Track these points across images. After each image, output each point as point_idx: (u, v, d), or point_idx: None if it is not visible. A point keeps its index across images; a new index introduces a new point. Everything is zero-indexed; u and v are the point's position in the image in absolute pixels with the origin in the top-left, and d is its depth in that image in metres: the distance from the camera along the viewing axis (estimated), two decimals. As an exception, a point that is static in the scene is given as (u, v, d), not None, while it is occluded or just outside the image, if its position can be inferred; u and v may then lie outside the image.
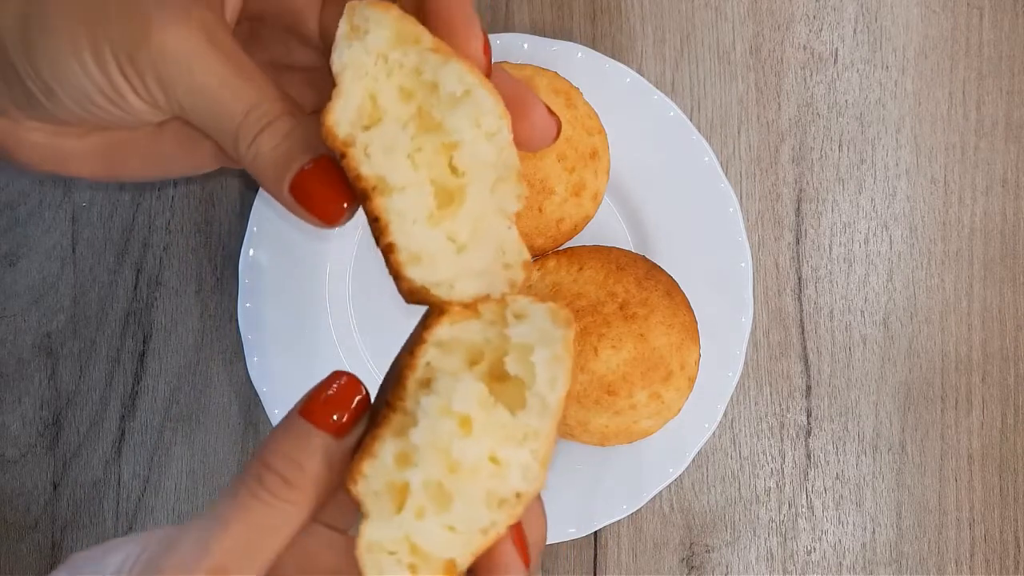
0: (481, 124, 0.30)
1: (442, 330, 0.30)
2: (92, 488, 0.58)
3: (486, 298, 0.31)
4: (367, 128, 0.30)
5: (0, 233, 0.58)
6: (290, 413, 0.31)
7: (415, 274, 0.30)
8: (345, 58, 0.30)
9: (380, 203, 0.30)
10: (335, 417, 0.30)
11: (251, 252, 0.56)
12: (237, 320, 0.56)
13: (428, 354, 0.30)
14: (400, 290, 0.31)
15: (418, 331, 0.31)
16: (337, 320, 0.57)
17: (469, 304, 0.31)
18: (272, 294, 0.56)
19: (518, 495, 0.30)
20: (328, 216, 0.31)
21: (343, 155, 0.30)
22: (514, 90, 0.32)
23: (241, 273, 0.56)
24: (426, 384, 0.30)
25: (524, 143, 0.32)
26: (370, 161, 0.30)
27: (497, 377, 0.31)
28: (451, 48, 0.30)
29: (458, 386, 0.30)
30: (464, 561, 0.30)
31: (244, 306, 0.56)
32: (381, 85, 0.30)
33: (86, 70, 0.30)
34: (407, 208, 0.30)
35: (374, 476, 0.29)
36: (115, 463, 0.58)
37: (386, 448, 0.29)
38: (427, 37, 0.30)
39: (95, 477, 0.58)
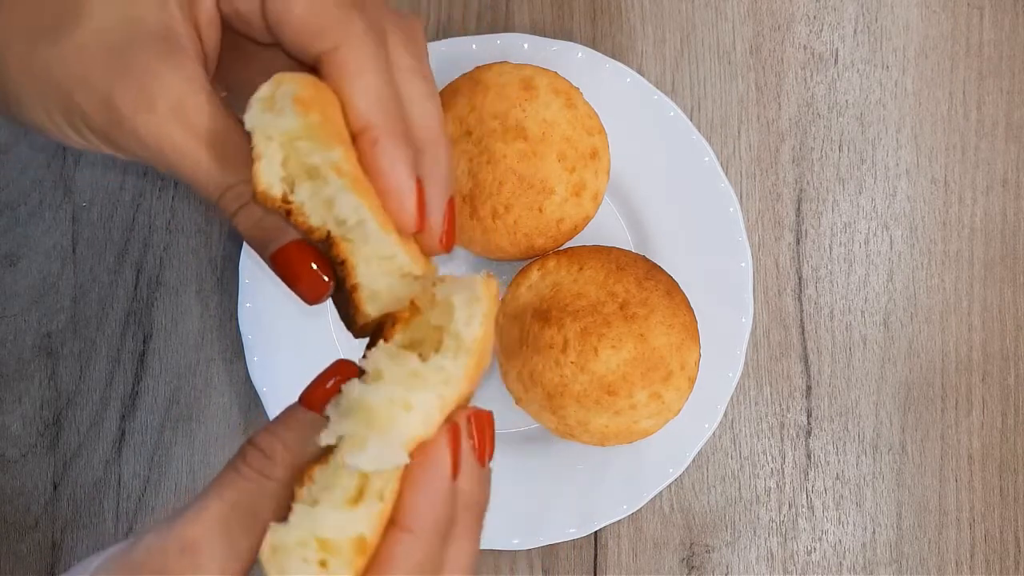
0: (375, 251, 0.31)
1: (400, 336, 0.31)
2: (92, 488, 0.58)
3: (420, 293, 0.32)
4: (296, 183, 0.30)
5: (0, 233, 0.58)
6: (290, 405, 0.31)
7: (372, 308, 0.31)
8: (255, 122, 0.29)
9: (345, 248, 0.30)
10: (322, 392, 0.30)
11: (251, 251, 0.56)
12: (237, 320, 0.56)
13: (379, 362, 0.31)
14: (355, 326, 0.32)
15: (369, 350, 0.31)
16: (337, 320, 0.57)
17: (410, 307, 0.31)
18: (272, 294, 0.56)
19: (410, 445, 0.29)
20: (308, 293, 0.31)
21: (288, 212, 0.30)
22: (393, 179, 0.31)
23: (241, 273, 0.56)
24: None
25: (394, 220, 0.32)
26: (316, 213, 0.30)
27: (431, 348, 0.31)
28: (363, 177, 0.30)
29: (374, 354, 0.30)
30: (372, 535, 0.28)
31: (244, 306, 0.56)
32: (289, 152, 0.30)
33: (67, 137, 0.31)
34: (375, 249, 0.31)
35: (319, 486, 0.29)
36: (115, 463, 0.58)
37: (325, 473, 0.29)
38: (337, 152, 0.30)
39: (95, 477, 0.58)
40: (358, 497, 0.29)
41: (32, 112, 0.31)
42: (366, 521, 0.28)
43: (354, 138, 0.31)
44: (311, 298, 0.32)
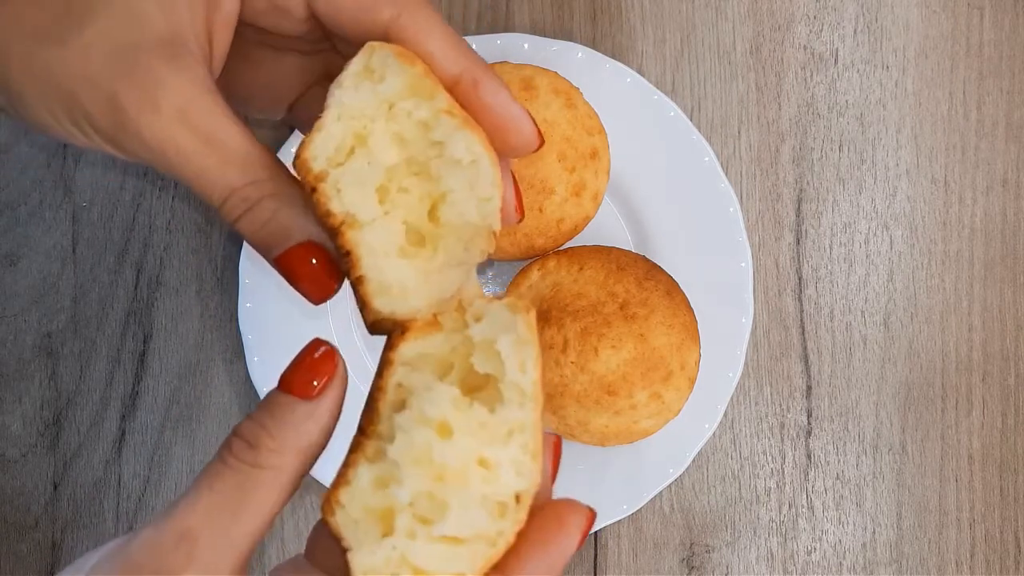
0: (476, 190, 0.30)
1: (407, 348, 0.30)
2: (92, 488, 0.58)
3: (445, 310, 0.31)
4: (340, 165, 0.30)
5: (0, 233, 0.59)
6: (271, 391, 0.31)
7: (381, 304, 0.31)
8: (346, 98, 0.30)
9: (351, 237, 0.30)
10: (305, 380, 0.30)
11: (251, 252, 0.56)
12: (237, 320, 0.56)
13: (397, 374, 0.30)
14: (366, 321, 0.31)
15: (384, 355, 0.31)
16: (337, 320, 0.57)
17: (430, 320, 0.31)
18: (272, 294, 0.56)
19: (518, 497, 0.29)
20: (313, 294, 0.31)
21: (314, 189, 0.30)
22: (505, 109, 0.32)
23: (241, 273, 0.56)
24: (400, 406, 0.30)
25: (510, 151, 0.32)
26: (340, 197, 0.30)
27: (472, 388, 0.30)
28: (470, 117, 0.30)
29: (429, 394, 0.29)
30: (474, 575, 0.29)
31: (244, 306, 0.56)
32: (375, 128, 0.30)
33: (71, 136, 0.31)
34: (378, 242, 0.30)
35: (351, 504, 0.29)
36: (115, 463, 0.58)
37: (361, 474, 0.29)
38: (443, 97, 0.30)
39: (95, 477, 0.58)
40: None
41: (36, 112, 0.31)
42: (471, 563, 0.28)
43: (449, 90, 0.31)
44: (317, 298, 0.32)
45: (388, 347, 0.31)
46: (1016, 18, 0.61)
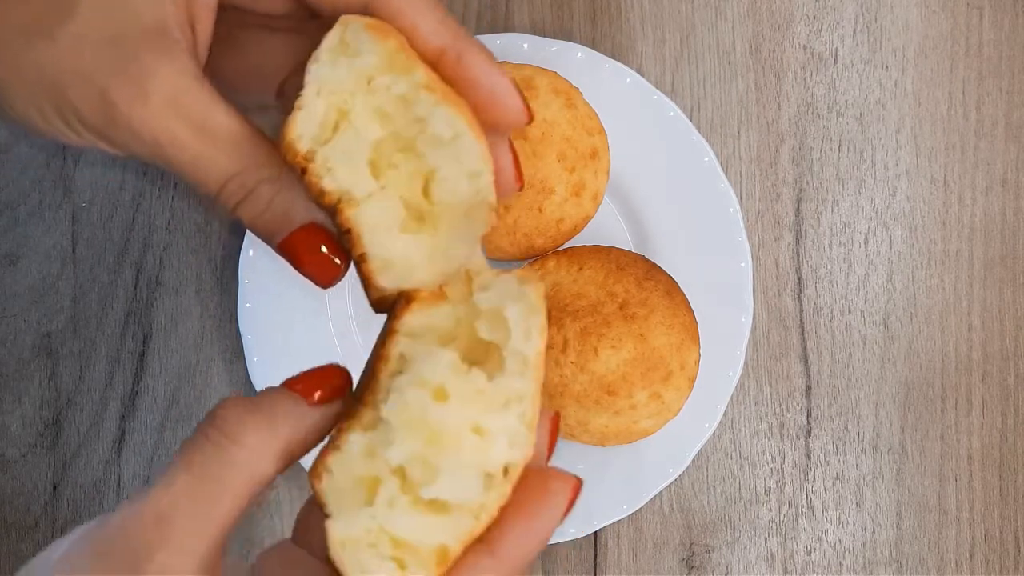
0: (464, 164, 0.30)
1: (412, 318, 0.30)
2: (92, 488, 0.58)
3: (452, 281, 0.30)
4: (327, 142, 0.29)
5: (0, 233, 0.58)
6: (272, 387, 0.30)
7: (385, 280, 0.30)
8: (324, 73, 0.29)
9: (350, 214, 0.29)
10: (310, 385, 0.30)
11: (251, 252, 0.56)
12: (237, 320, 0.56)
13: (400, 344, 0.29)
14: (370, 299, 0.31)
15: (388, 325, 0.30)
16: (337, 320, 0.57)
17: (436, 292, 0.30)
18: (272, 294, 0.56)
19: (506, 470, 0.28)
20: (320, 277, 0.31)
21: (304, 170, 0.29)
22: (490, 82, 0.31)
23: (241, 273, 0.56)
24: (400, 374, 0.29)
25: (498, 126, 0.31)
26: (332, 175, 0.29)
27: (474, 360, 0.29)
28: (453, 91, 0.30)
29: (428, 358, 0.28)
30: (456, 548, 0.28)
31: (244, 306, 0.56)
32: (356, 102, 0.29)
33: (62, 134, 0.31)
34: (377, 218, 0.30)
35: (340, 471, 0.28)
36: (115, 463, 0.58)
37: (353, 441, 0.28)
38: (421, 72, 0.29)
39: (95, 477, 0.58)
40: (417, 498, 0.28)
41: (24, 110, 0.31)
42: (453, 535, 0.28)
43: (432, 65, 0.30)
44: (324, 282, 0.31)
45: (392, 316, 0.30)
46: (1016, 18, 0.61)
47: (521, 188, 0.33)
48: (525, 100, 0.31)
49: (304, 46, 0.35)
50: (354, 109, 0.29)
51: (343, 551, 0.27)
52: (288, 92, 0.36)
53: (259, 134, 0.31)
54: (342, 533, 0.27)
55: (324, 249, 0.31)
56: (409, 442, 0.28)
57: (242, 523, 0.30)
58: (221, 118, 0.30)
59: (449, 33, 0.30)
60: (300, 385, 0.30)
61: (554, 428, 0.31)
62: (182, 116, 0.29)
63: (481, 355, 0.30)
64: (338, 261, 0.31)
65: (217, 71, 0.35)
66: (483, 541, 0.28)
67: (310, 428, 0.29)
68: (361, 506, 0.28)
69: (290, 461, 0.29)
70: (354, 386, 0.31)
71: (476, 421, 0.28)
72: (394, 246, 0.30)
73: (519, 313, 0.29)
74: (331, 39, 0.29)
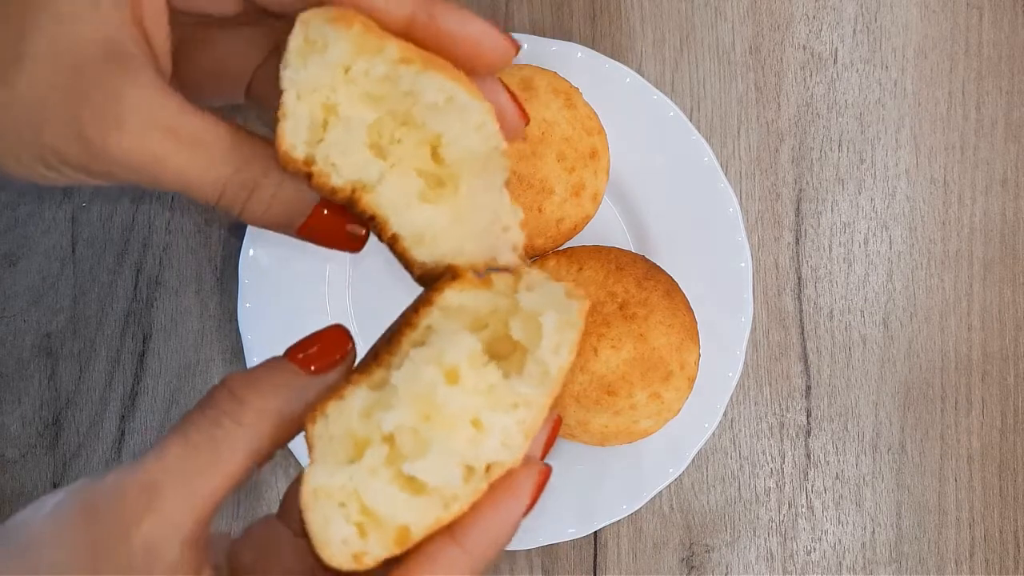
0: (467, 121, 0.29)
1: (452, 294, 0.29)
2: (92, 488, 0.58)
3: (502, 272, 0.30)
4: (321, 141, 0.29)
5: (0, 233, 0.58)
6: (274, 356, 0.30)
7: (422, 254, 0.30)
8: (299, 76, 0.28)
9: (368, 201, 0.29)
10: (310, 354, 0.30)
11: (251, 252, 0.56)
12: (237, 320, 0.56)
13: (432, 316, 0.29)
14: (414, 278, 0.31)
15: (426, 295, 0.30)
16: (337, 320, 0.57)
17: (484, 278, 0.30)
18: (272, 294, 0.56)
19: (488, 468, 0.28)
20: (347, 247, 0.31)
21: (309, 175, 0.29)
22: (468, 29, 0.30)
23: (241, 273, 0.56)
24: (421, 345, 0.29)
25: (488, 68, 0.31)
26: (337, 170, 0.29)
27: (498, 354, 0.29)
28: (429, 55, 0.29)
29: (452, 338, 0.28)
30: (418, 532, 0.28)
31: (244, 306, 0.56)
32: (341, 95, 0.29)
33: (42, 177, 0.30)
34: (395, 195, 0.30)
35: (335, 419, 0.28)
36: (115, 463, 0.58)
37: (357, 394, 0.28)
38: (392, 48, 0.29)
39: (95, 477, 0.58)
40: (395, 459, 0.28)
41: (2, 160, 0.30)
42: (420, 518, 0.28)
43: (405, 35, 0.30)
44: (355, 248, 0.31)
45: (434, 288, 0.30)
46: (1015, 18, 0.61)
47: (527, 122, 0.33)
48: (507, 35, 0.31)
49: (266, 39, 0.34)
50: (341, 101, 0.29)
51: (313, 500, 0.27)
52: (256, 88, 0.35)
53: (240, 131, 0.30)
54: (318, 482, 0.27)
55: (338, 220, 0.31)
56: (407, 413, 0.28)
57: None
58: (199, 123, 0.29)
59: None
60: (301, 355, 0.30)
61: (553, 431, 0.31)
62: (159, 132, 0.29)
63: (507, 350, 0.30)
64: (359, 228, 0.31)
65: (183, 77, 0.34)
66: (449, 531, 0.28)
67: (310, 402, 0.29)
68: (344, 463, 0.28)
69: (289, 436, 0.29)
70: (357, 354, 0.31)
71: (478, 414, 0.28)
72: (419, 217, 0.30)
73: (555, 324, 0.29)
74: (295, 41, 0.29)
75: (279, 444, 0.29)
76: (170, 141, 0.29)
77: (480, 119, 0.29)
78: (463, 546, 0.28)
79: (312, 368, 0.29)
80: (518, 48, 0.31)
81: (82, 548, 0.27)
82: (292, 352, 0.30)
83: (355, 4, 0.29)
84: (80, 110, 0.28)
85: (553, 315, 0.29)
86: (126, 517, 0.27)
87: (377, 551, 0.27)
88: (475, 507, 0.28)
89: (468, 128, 0.30)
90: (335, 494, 0.28)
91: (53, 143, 0.29)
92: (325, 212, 0.31)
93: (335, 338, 0.30)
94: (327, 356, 0.30)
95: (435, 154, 0.30)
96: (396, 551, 0.28)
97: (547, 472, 0.29)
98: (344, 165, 0.29)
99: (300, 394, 0.29)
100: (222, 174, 0.29)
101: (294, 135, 0.29)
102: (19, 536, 0.28)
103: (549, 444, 0.31)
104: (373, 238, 0.32)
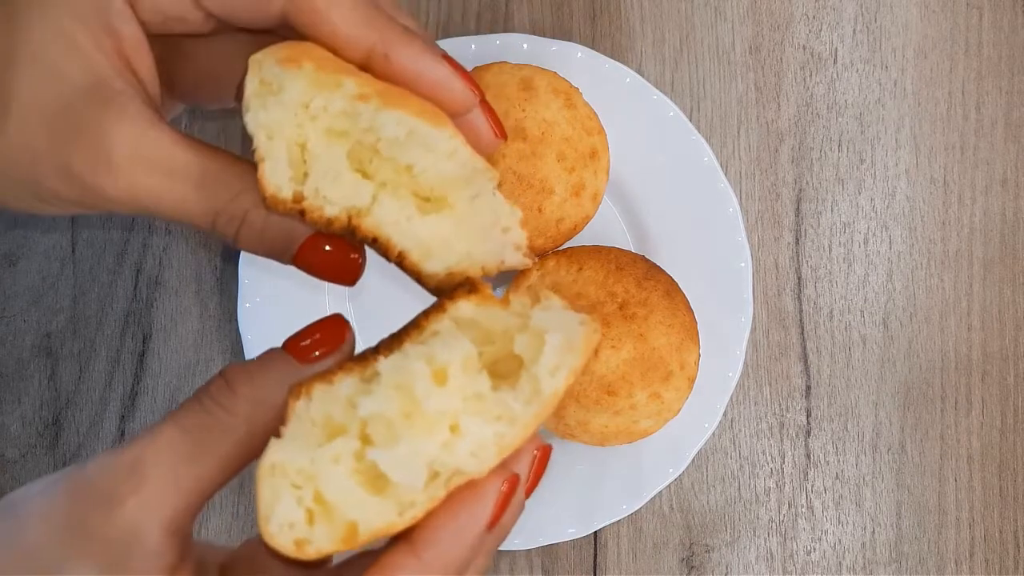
0: (435, 150, 0.29)
1: (466, 307, 0.29)
2: (92, 488, 0.58)
3: (521, 293, 0.30)
4: (306, 175, 0.29)
5: (0, 233, 0.58)
6: (272, 348, 0.30)
7: (433, 266, 0.30)
8: (261, 118, 0.28)
9: (367, 224, 0.29)
10: (305, 343, 0.29)
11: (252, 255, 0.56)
12: (237, 320, 0.56)
13: (441, 323, 0.29)
14: (428, 290, 0.31)
15: (441, 302, 0.30)
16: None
17: (503, 298, 0.30)
18: (272, 294, 0.56)
19: (452, 476, 0.27)
20: (343, 278, 0.31)
21: (302, 212, 0.29)
22: (425, 75, 0.30)
23: (241, 273, 0.56)
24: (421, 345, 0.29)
25: (449, 113, 0.30)
26: (329, 202, 0.29)
27: (498, 372, 0.29)
28: (388, 87, 0.29)
29: (449, 341, 0.28)
30: (366, 534, 0.27)
31: (244, 306, 0.56)
32: (307, 131, 0.29)
33: (41, 210, 0.30)
34: (393, 213, 0.29)
35: (319, 402, 0.28)
36: (115, 463, 0.58)
37: (346, 383, 0.28)
38: (349, 83, 0.29)
39: (95, 477, 0.58)
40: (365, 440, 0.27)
41: (4, 200, 0.30)
42: (372, 519, 0.27)
43: (363, 67, 0.30)
44: (348, 280, 0.31)
45: (449, 297, 0.29)
46: (1015, 18, 0.61)
47: (505, 139, 0.32)
48: (470, 79, 0.30)
49: (250, 44, 0.34)
50: (310, 137, 0.29)
51: (269, 474, 0.27)
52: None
53: (230, 161, 0.30)
54: (278, 457, 0.27)
55: (331, 250, 0.30)
56: (386, 402, 0.27)
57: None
58: (190, 156, 0.29)
59: (374, 33, 0.29)
60: (300, 344, 0.30)
61: (540, 465, 0.30)
62: (148, 168, 0.29)
63: (507, 370, 0.29)
64: (354, 256, 0.31)
65: (173, 86, 0.34)
66: (407, 540, 0.28)
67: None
68: (313, 446, 0.27)
69: (274, 427, 0.29)
70: (356, 344, 0.31)
71: (457, 419, 0.28)
72: (421, 230, 0.30)
73: (558, 345, 0.28)
74: (251, 85, 0.29)
75: (273, 430, 0.29)
76: (159, 176, 0.29)
77: (449, 147, 0.29)
78: (422, 557, 0.27)
79: (312, 356, 0.29)
80: (482, 95, 0.31)
81: (64, 526, 0.27)
82: (291, 341, 0.30)
83: (313, 37, 0.29)
84: (70, 153, 0.29)
85: (558, 336, 0.28)
86: (110, 496, 0.27)
87: (322, 543, 0.27)
88: (431, 515, 0.28)
89: (438, 158, 0.29)
90: (292, 474, 0.27)
91: (47, 184, 0.29)
92: (315, 245, 0.30)
93: (334, 327, 0.30)
94: (326, 344, 0.30)
95: (415, 179, 0.30)
96: (340, 548, 0.27)
97: (514, 482, 0.28)
98: (335, 194, 0.29)
99: (294, 379, 0.29)
100: (211, 206, 0.30)
101: (277, 175, 0.28)
102: (8, 513, 0.28)
103: (536, 478, 0.30)
104: (372, 254, 0.32)
